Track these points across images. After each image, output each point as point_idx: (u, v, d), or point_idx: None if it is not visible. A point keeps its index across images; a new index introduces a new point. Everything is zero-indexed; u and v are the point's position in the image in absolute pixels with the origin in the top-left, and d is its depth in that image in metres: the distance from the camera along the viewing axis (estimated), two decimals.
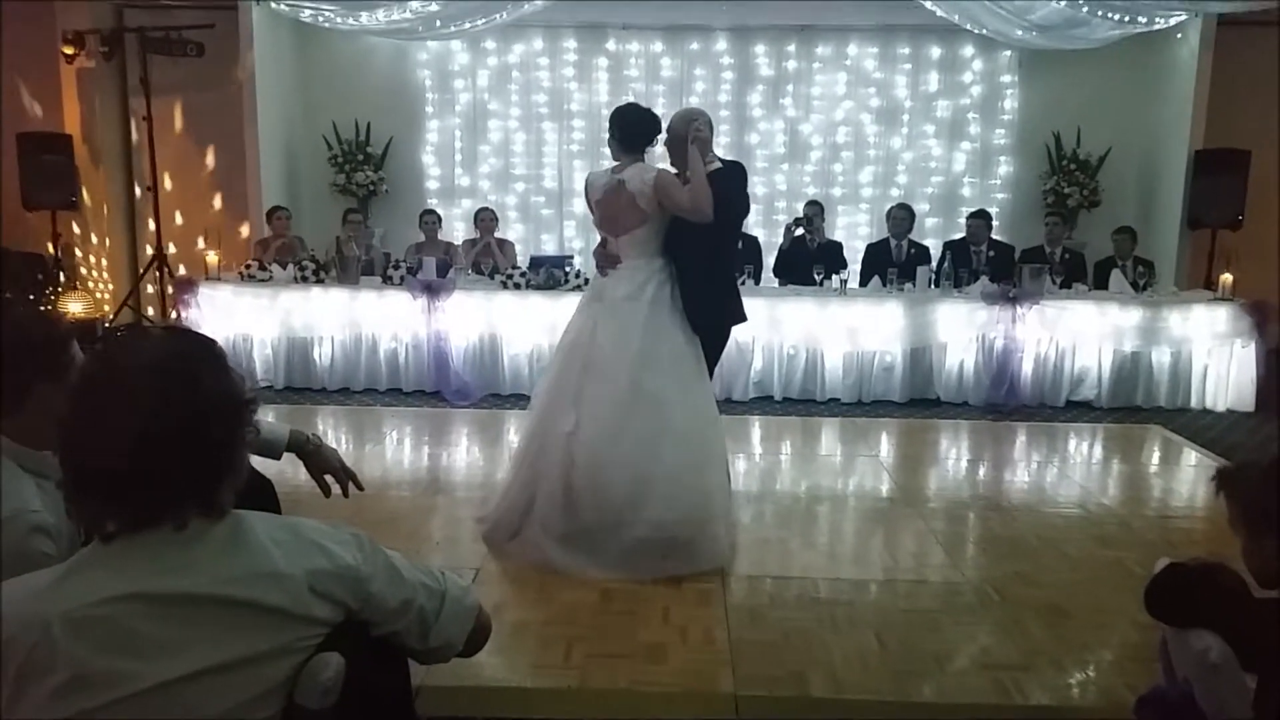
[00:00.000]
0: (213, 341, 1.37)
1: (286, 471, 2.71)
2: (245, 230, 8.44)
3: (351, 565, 1.40)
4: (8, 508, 1.79)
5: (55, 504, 1.89)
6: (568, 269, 7.15)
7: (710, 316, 4.14)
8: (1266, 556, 1.58)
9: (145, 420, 1.24)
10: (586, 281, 7.01)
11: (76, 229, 8.54)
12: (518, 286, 6.91)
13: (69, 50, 8.03)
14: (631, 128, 4.02)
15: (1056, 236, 7.69)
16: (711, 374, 4.26)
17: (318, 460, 2.28)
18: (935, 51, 8.84)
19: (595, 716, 2.73)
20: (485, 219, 7.93)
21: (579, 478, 3.78)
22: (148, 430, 1.24)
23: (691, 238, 4.00)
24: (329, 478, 2.30)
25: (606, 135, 4.18)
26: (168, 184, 8.11)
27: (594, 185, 4.11)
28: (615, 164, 4.09)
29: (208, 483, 1.31)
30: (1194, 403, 6.81)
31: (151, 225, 8.23)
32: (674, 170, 4.11)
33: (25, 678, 1.22)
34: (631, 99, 8.83)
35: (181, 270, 8.13)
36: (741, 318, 4.37)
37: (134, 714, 1.22)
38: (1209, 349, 6.77)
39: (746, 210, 4.41)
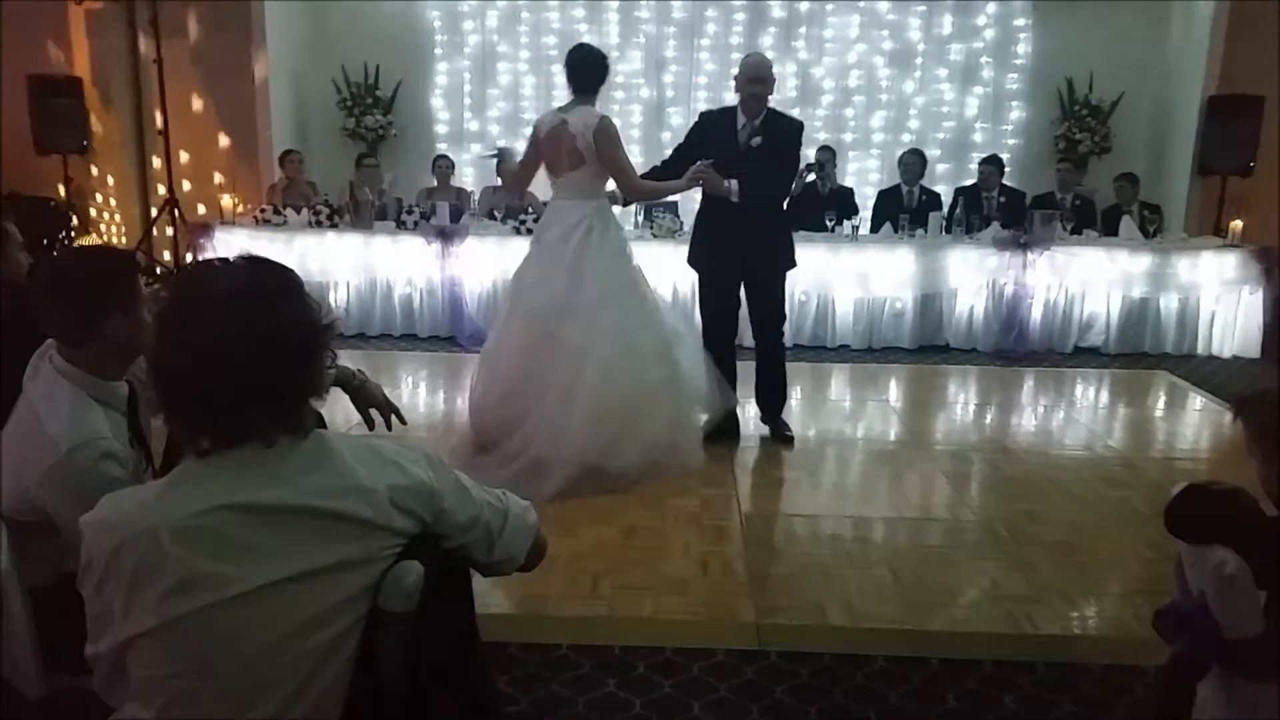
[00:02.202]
0: (290, 270, 1.44)
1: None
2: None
3: (426, 481, 1.49)
4: (80, 434, 1.88)
5: (121, 431, 1.99)
6: None
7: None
8: None
9: (228, 344, 1.32)
10: None
11: (93, 172, 8.55)
12: (530, 232, 6.93)
13: None
14: (583, 69, 4.19)
15: (1068, 182, 7.71)
16: (782, 319, 4.81)
17: (363, 394, 2.37)
18: None
19: (623, 643, 2.84)
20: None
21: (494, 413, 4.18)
22: (231, 354, 1.32)
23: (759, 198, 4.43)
24: (373, 411, 2.39)
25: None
26: (177, 127, 8.09)
27: (542, 124, 4.22)
28: (565, 104, 4.23)
29: (290, 403, 1.39)
30: (1201, 349, 6.87)
31: (161, 168, 8.23)
32: (745, 117, 4.44)
33: (137, 582, 1.31)
34: (642, 41, 8.89)
35: (198, 210, 8.16)
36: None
37: (236, 614, 1.32)
38: (1217, 295, 6.82)
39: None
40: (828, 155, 7.83)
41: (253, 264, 1.42)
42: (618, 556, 3.39)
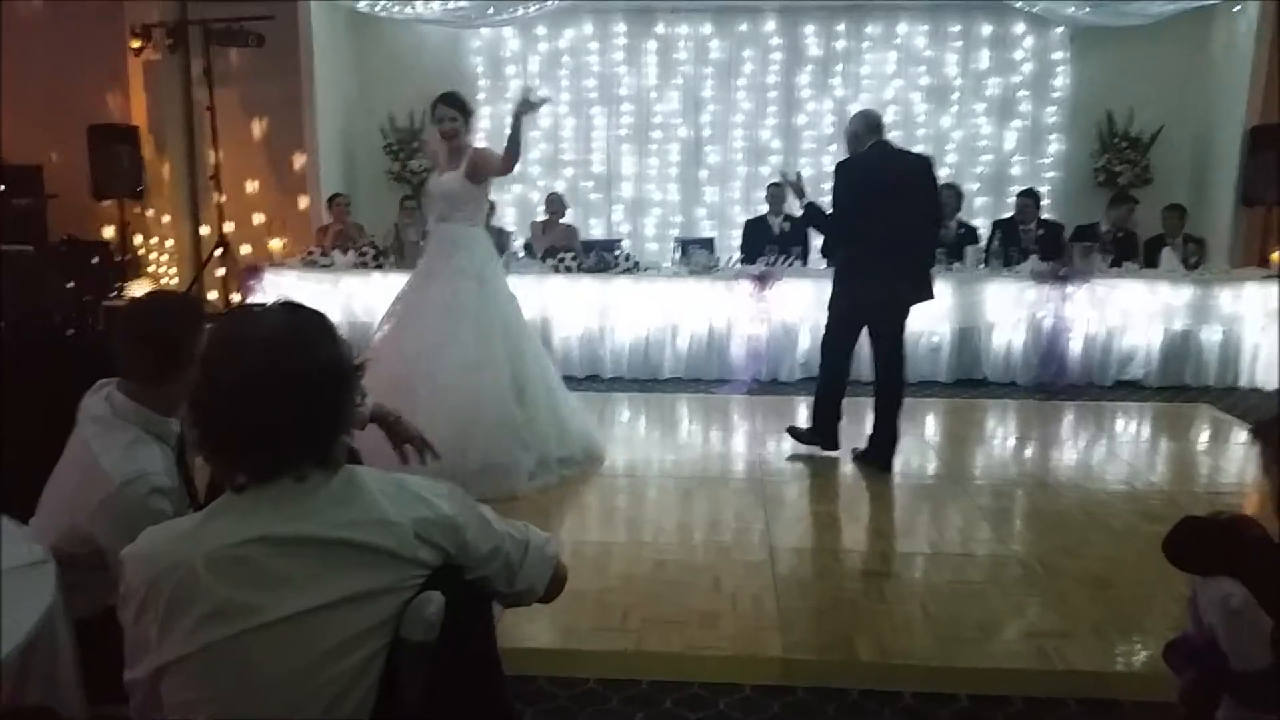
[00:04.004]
0: (322, 315, 1.53)
1: None
2: (269, 216, 8.67)
3: (449, 515, 1.56)
4: (133, 469, 2.00)
5: (171, 467, 2.10)
6: (617, 253, 7.29)
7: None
8: None
9: (263, 386, 1.41)
10: (636, 265, 7.17)
11: (148, 216, 8.86)
12: (569, 270, 7.06)
13: (136, 44, 8.33)
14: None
15: (1121, 219, 7.64)
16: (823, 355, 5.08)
17: (398, 430, 2.44)
18: (986, 29, 8.81)
19: (651, 677, 2.87)
20: (554, 204, 8.13)
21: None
22: (266, 395, 1.41)
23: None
24: (408, 447, 2.46)
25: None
26: (228, 172, 8.36)
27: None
28: None
29: (321, 440, 1.47)
30: (1244, 382, 6.77)
31: (213, 211, 8.50)
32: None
33: (173, 610, 1.39)
34: (680, 82, 9.04)
35: (245, 252, 8.39)
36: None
37: (265, 641, 1.39)
38: (1261, 327, 6.71)
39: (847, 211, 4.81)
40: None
41: (288, 309, 1.51)
42: (647, 591, 3.42)
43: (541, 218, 8.27)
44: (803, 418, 5.82)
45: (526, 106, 4.58)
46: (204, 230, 8.84)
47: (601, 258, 7.10)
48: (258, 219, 8.64)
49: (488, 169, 4.61)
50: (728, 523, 4.11)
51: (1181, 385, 6.75)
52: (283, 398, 1.41)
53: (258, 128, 8.68)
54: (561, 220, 8.15)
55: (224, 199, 8.29)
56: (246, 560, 1.40)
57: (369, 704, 1.48)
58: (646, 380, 6.93)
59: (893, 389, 4.90)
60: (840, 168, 4.82)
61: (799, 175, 5.29)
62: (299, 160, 8.62)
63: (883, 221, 4.64)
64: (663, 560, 3.69)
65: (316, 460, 1.46)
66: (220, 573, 1.39)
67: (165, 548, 1.42)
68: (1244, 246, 8.00)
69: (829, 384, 5.06)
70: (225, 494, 1.47)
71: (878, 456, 4.86)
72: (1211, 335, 6.76)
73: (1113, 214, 7.70)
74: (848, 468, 4.95)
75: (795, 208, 5.10)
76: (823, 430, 5.06)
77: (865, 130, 4.80)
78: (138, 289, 8.37)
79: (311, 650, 1.41)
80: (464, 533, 1.57)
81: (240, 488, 1.45)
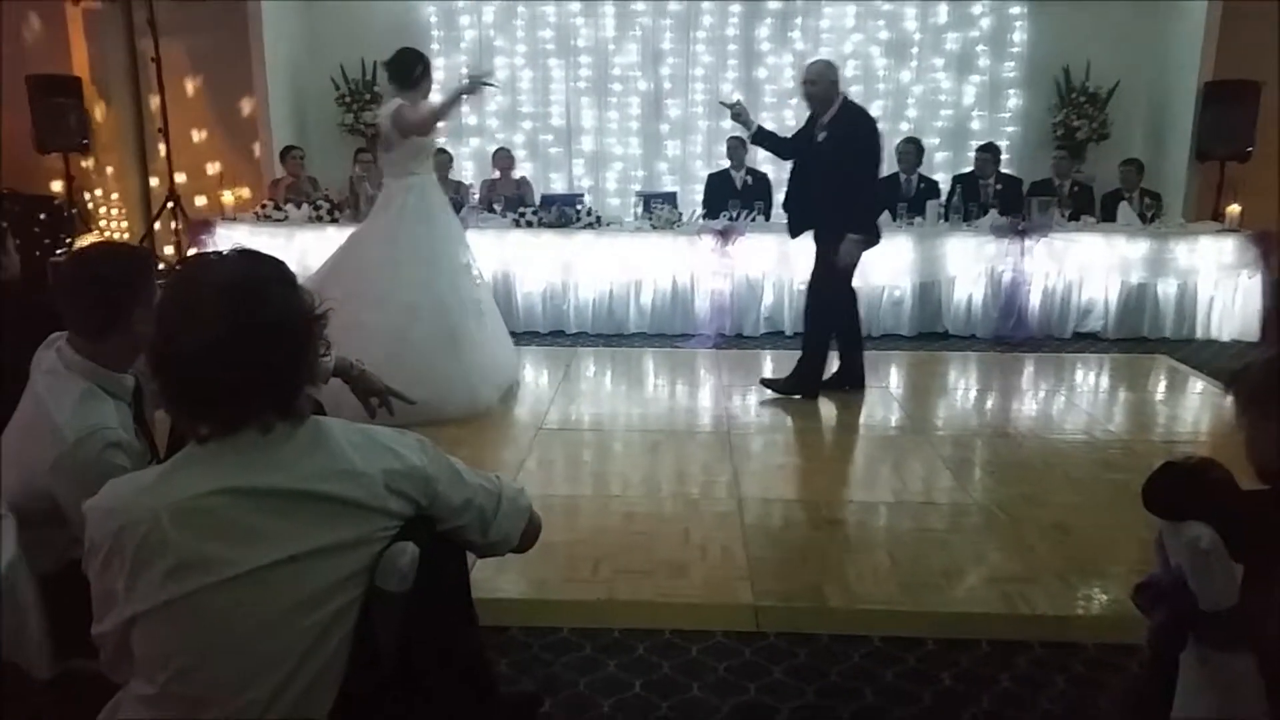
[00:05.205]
0: (281, 262, 1.48)
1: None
2: (220, 170, 8.47)
3: (419, 466, 1.53)
4: (87, 425, 1.93)
5: (127, 422, 2.04)
6: (579, 207, 7.21)
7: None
8: (1266, 444, 1.69)
9: (223, 336, 1.36)
10: (598, 219, 7.12)
11: (94, 169, 8.59)
12: (530, 225, 6.98)
13: None
14: (390, 68, 4.90)
15: (1064, 169, 7.73)
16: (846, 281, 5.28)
17: (363, 383, 2.39)
18: None
19: (623, 626, 2.88)
20: (502, 159, 8.03)
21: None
22: (226, 345, 1.36)
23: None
24: (374, 400, 2.42)
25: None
26: (176, 124, 8.12)
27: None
28: None
29: (285, 390, 1.42)
30: (1199, 333, 6.90)
31: (161, 165, 8.26)
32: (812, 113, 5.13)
33: (139, 563, 1.36)
34: (638, 34, 8.91)
35: (200, 206, 8.18)
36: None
37: (234, 594, 1.36)
38: (1215, 280, 6.84)
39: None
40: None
41: (246, 256, 1.46)
42: (617, 543, 3.42)
43: (492, 176, 8.18)
44: (768, 370, 5.86)
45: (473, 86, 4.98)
46: (153, 184, 8.59)
47: (563, 212, 7.02)
48: (207, 172, 8.42)
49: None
50: (695, 475, 4.12)
51: (1138, 336, 6.86)
52: (244, 347, 1.36)
53: (206, 79, 8.42)
54: (513, 174, 8.05)
55: (173, 152, 8.05)
56: (212, 512, 1.37)
57: (344, 654, 1.46)
58: (611, 335, 6.90)
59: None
60: (873, 125, 5.12)
61: (739, 101, 5.54)
62: (248, 112, 8.39)
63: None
64: (632, 512, 3.69)
65: (281, 411, 1.42)
66: (186, 525, 1.35)
67: (128, 500, 1.38)
68: (1198, 201, 8.10)
69: (855, 326, 5.46)
70: (188, 446, 1.43)
71: (857, 379, 5.41)
72: (1167, 288, 6.87)
73: (1055, 166, 7.79)
74: (813, 420, 4.98)
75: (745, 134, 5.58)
76: (858, 372, 5.43)
77: (838, 79, 5.10)
78: (86, 244, 8.16)
79: (284, 602, 1.38)
80: (435, 484, 1.55)
81: (204, 439, 1.41)
